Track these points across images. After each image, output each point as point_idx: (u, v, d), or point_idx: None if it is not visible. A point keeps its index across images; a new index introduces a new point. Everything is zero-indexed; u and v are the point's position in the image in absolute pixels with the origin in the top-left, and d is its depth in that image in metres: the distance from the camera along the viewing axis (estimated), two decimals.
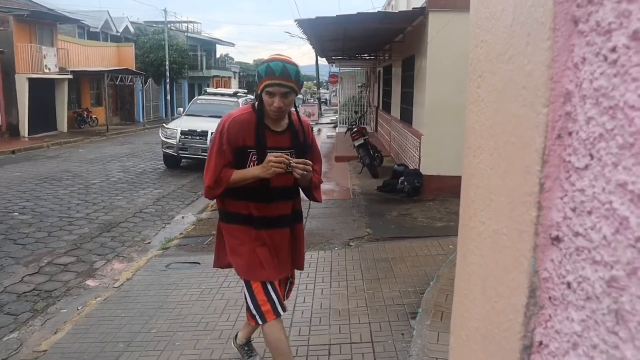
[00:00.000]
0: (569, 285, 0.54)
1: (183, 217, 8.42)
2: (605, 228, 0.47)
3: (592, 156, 0.50)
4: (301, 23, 9.05)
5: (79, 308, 4.79)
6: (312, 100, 36.42)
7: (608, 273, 0.47)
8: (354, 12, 8.43)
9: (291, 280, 3.05)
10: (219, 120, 10.13)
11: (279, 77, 2.45)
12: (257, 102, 2.64)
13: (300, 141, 2.72)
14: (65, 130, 23.01)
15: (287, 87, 2.47)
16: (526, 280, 0.62)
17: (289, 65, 2.47)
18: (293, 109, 2.77)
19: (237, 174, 2.61)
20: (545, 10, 0.55)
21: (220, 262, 3.04)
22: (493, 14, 0.73)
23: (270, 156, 2.49)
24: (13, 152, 16.35)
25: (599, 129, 0.48)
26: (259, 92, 2.56)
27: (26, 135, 20.24)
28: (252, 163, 2.63)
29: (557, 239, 0.57)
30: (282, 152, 2.57)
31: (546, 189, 0.57)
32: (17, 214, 8.22)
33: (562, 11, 0.53)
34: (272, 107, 2.51)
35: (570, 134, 0.54)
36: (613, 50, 0.46)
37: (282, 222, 2.79)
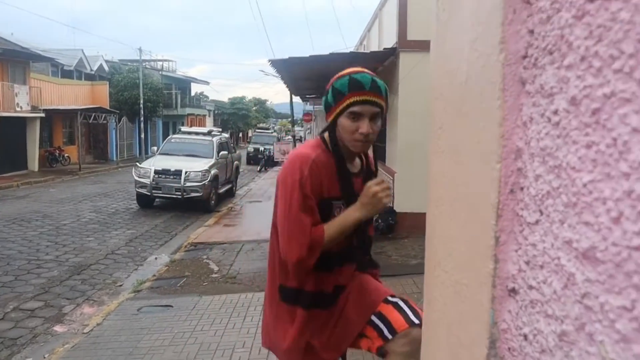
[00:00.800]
0: (525, 337, 0.55)
1: (156, 258, 8.27)
2: (555, 283, 0.49)
3: (541, 212, 0.51)
4: (274, 63, 9.18)
5: (45, 356, 4.62)
6: (286, 138, 36.61)
7: (559, 327, 0.48)
8: (327, 51, 8.60)
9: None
10: (194, 159, 9.94)
11: (369, 92, 1.77)
12: (328, 134, 1.93)
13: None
14: (36, 169, 22.62)
15: (379, 106, 1.79)
16: (486, 331, 0.63)
17: (379, 80, 1.82)
18: None
19: (332, 227, 1.86)
20: (495, 71, 0.58)
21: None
22: (450, 71, 0.76)
23: (373, 185, 1.85)
24: None
25: (547, 186, 0.50)
26: (332, 118, 1.86)
27: None
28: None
29: (514, 291, 0.58)
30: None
31: (501, 242, 0.59)
32: None
33: (511, 72, 0.56)
34: (355, 134, 1.79)
35: (522, 189, 0.56)
36: (555, 112, 0.48)
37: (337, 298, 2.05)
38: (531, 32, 0.53)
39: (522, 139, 0.55)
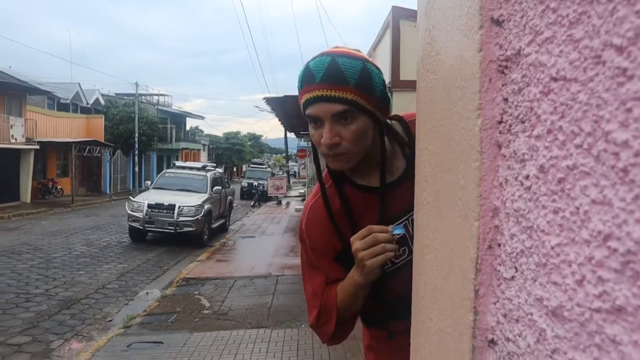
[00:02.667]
0: None
1: (147, 293, 8.20)
2: (529, 337, 0.52)
3: (516, 269, 0.55)
4: (269, 101, 9.32)
5: None
6: (281, 173, 36.75)
7: None
8: None
9: None
10: (187, 194, 9.92)
11: (321, 85, 1.21)
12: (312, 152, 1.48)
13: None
14: (29, 200, 22.53)
15: (339, 100, 1.20)
16: None
17: (343, 60, 1.23)
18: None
19: (341, 291, 1.41)
20: (473, 134, 0.62)
21: None
22: (434, 127, 0.80)
23: (355, 240, 1.29)
24: None
25: (520, 245, 0.54)
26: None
27: None
28: None
29: (493, 342, 0.61)
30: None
31: (480, 294, 0.62)
32: None
33: (487, 136, 0.60)
34: (320, 147, 1.28)
35: (499, 245, 0.59)
36: (527, 177, 0.52)
37: None
38: (505, 100, 0.57)
39: (499, 199, 0.59)
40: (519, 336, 0.54)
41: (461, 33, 0.67)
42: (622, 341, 0.38)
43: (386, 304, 1.44)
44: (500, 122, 0.58)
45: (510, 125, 0.56)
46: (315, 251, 1.48)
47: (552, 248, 0.47)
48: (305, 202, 1.55)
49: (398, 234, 1.25)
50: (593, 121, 0.41)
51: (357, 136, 1.24)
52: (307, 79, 1.25)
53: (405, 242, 1.34)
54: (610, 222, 0.39)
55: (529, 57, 0.51)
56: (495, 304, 0.60)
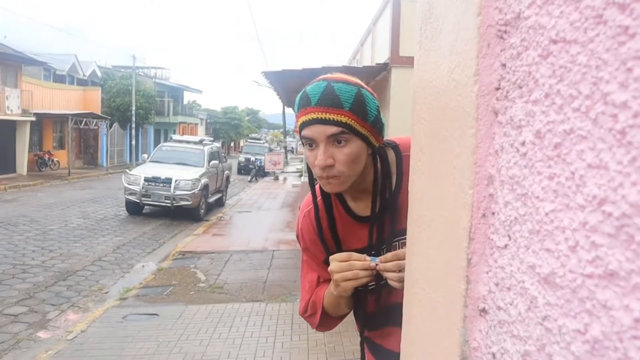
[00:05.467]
0: (494, 356, 0.58)
1: (143, 266, 8.23)
2: (520, 305, 0.51)
3: (509, 237, 0.54)
4: (268, 75, 9.23)
5: None
6: (278, 149, 36.68)
7: (523, 347, 0.51)
8: (320, 65, 8.67)
9: None
10: (184, 167, 9.93)
11: (317, 108, 1.26)
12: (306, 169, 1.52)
13: (396, 226, 1.41)
14: (25, 173, 22.48)
15: (334, 122, 1.25)
16: (458, 349, 0.65)
17: (339, 85, 1.28)
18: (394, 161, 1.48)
19: (327, 296, 1.51)
20: (469, 101, 0.61)
21: None
22: (430, 95, 0.79)
23: (333, 262, 1.35)
24: None
25: (514, 213, 0.53)
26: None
27: None
28: None
29: (484, 311, 0.61)
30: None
31: (473, 263, 0.61)
32: None
33: (484, 103, 0.59)
34: (314, 169, 1.32)
35: (493, 214, 0.58)
36: (523, 144, 0.51)
37: None
38: (503, 65, 0.56)
39: (494, 167, 0.58)
40: (510, 304, 0.54)
41: None
42: (613, 306, 0.37)
43: (362, 316, 1.56)
44: (497, 89, 0.57)
45: (508, 92, 0.55)
46: (307, 252, 1.58)
47: (546, 214, 0.46)
48: (301, 205, 1.60)
49: (375, 264, 1.31)
50: (592, 83, 0.40)
51: (350, 159, 1.27)
52: (304, 102, 1.29)
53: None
54: (606, 185, 0.38)
55: (528, 20, 0.50)
56: (487, 272, 0.60)
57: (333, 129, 1.25)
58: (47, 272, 7.54)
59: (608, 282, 0.38)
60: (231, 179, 18.91)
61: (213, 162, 14.60)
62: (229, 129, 60.91)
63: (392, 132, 8.54)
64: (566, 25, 0.43)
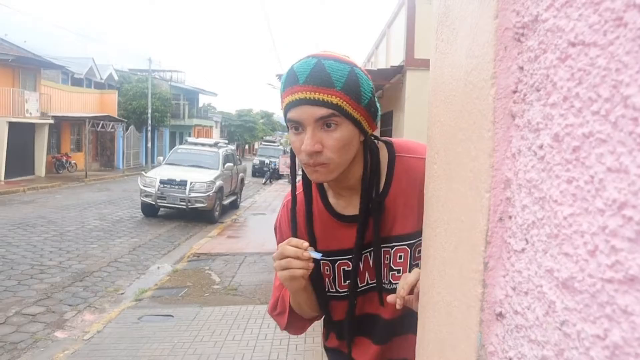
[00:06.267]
0: None
1: (158, 268, 8.29)
2: (538, 309, 0.51)
3: (527, 241, 0.54)
4: (282, 78, 9.25)
5: None
6: None
7: (540, 352, 0.50)
8: None
9: None
10: (199, 170, 9.96)
11: (305, 87, 1.12)
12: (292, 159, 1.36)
13: (381, 232, 1.28)
14: (43, 174, 22.78)
15: (323, 104, 1.11)
16: (474, 353, 0.65)
17: (330, 63, 1.14)
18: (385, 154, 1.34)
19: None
20: (486, 104, 0.61)
21: None
22: (447, 98, 0.78)
23: (277, 249, 1.24)
24: None
25: (532, 217, 0.52)
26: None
27: (2, 179, 19.99)
28: (327, 278, 1.37)
29: (501, 315, 0.60)
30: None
31: (490, 267, 0.61)
32: None
33: (501, 106, 0.59)
34: (300, 155, 1.18)
35: (510, 217, 0.58)
36: (541, 147, 0.51)
37: None
38: (521, 68, 0.55)
39: (511, 170, 0.57)
40: (528, 309, 0.53)
41: (477, 0, 0.65)
42: (634, 311, 0.37)
43: (329, 323, 1.44)
44: (514, 92, 0.57)
45: (525, 95, 0.55)
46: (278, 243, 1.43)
47: (565, 218, 0.46)
48: (285, 196, 1.48)
49: (313, 257, 1.18)
50: (612, 86, 0.40)
51: (341, 145, 1.13)
52: (291, 80, 1.15)
53: (350, 275, 1.30)
54: (626, 189, 0.38)
55: (546, 23, 0.50)
56: (504, 276, 0.59)
57: (322, 111, 1.11)
58: (64, 272, 7.62)
59: (628, 287, 0.37)
60: (246, 182, 18.98)
61: (228, 164, 14.67)
62: (243, 132, 61.15)
63: (407, 135, 8.51)
64: (585, 27, 0.43)
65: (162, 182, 12.64)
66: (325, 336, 1.51)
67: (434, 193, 0.85)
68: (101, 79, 32.82)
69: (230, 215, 14.38)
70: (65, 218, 12.35)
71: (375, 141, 1.31)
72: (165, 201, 12.73)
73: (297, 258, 1.17)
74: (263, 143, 42.81)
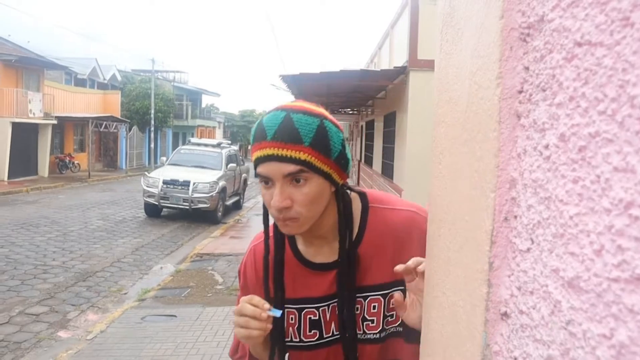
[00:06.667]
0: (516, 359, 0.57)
1: (161, 268, 8.31)
2: (544, 309, 0.51)
3: (532, 241, 0.54)
4: (285, 78, 9.26)
5: None
6: None
7: (546, 352, 0.50)
8: (338, 68, 8.67)
9: None
10: (202, 170, 9.97)
11: (273, 143, 1.12)
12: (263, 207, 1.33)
13: (354, 282, 1.26)
14: (46, 175, 22.84)
15: (291, 160, 1.11)
16: (479, 353, 0.65)
17: (298, 117, 1.14)
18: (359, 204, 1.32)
19: None
20: (492, 104, 0.61)
21: None
22: (452, 98, 0.79)
23: (239, 304, 1.22)
24: None
25: (537, 216, 0.53)
26: None
27: (6, 179, 20.04)
28: (291, 327, 1.32)
29: (506, 315, 0.60)
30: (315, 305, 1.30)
31: (495, 267, 0.61)
32: None
33: (507, 106, 0.59)
34: (270, 209, 1.18)
35: (515, 217, 0.58)
36: (547, 147, 0.51)
37: None
38: (527, 68, 0.56)
39: (517, 170, 0.58)
40: (533, 308, 0.54)
41: (482, 0, 0.65)
42: None
43: None
44: (520, 92, 0.57)
45: (531, 95, 0.55)
46: (244, 291, 1.40)
47: (571, 218, 0.46)
48: (252, 239, 1.46)
49: (274, 315, 1.17)
50: (618, 86, 0.40)
51: (310, 200, 1.13)
52: (259, 135, 1.15)
53: (317, 326, 1.29)
54: (633, 189, 0.38)
55: (552, 23, 0.50)
56: (509, 276, 0.59)
57: (291, 167, 1.10)
58: (67, 272, 7.64)
59: (635, 286, 0.38)
60: (249, 182, 19.00)
61: (231, 165, 14.69)
62: (246, 132, 61.17)
63: (410, 135, 8.51)
64: (592, 27, 0.43)
65: (165, 182, 12.66)
66: None
67: (439, 192, 0.85)
68: (104, 79, 32.89)
69: (233, 215, 14.40)
70: (69, 218, 12.38)
71: (349, 191, 1.29)
72: (168, 201, 12.75)
73: (256, 318, 1.16)
74: None
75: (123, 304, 6.43)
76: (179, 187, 12.65)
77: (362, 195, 1.32)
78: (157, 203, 12.78)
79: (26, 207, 14.11)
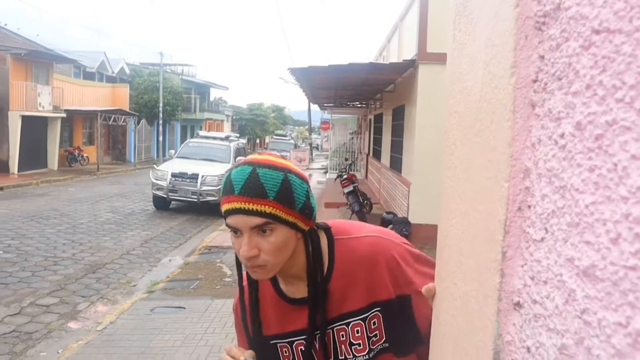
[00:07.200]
0: (528, 349, 0.57)
1: (170, 260, 8.35)
2: (558, 298, 0.51)
3: (546, 230, 0.54)
4: (294, 71, 9.24)
5: (59, 352, 4.70)
6: (304, 146, 36.75)
7: (560, 341, 0.50)
8: (346, 61, 8.64)
9: None
10: (211, 163, 10.00)
11: (240, 197, 1.20)
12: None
13: (329, 313, 1.35)
14: (56, 168, 22.98)
15: (257, 213, 1.19)
16: (491, 343, 0.65)
17: (264, 171, 1.21)
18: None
19: None
20: (506, 93, 0.61)
21: None
22: (465, 88, 0.78)
23: (223, 354, 1.33)
24: (2, 188, 16.24)
25: (552, 206, 0.52)
26: None
27: (16, 171, 20.18)
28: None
29: (519, 305, 0.60)
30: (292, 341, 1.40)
31: (508, 257, 0.61)
32: (1, 252, 8.12)
33: (521, 95, 0.59)
34: (240, 257, 1.26)
35: (529, 207, 0.58)
36: (562, 136, 0.50)
37: None
38: (542, 57, 0.55)
39: (531, 160, 0.57)
40: (547, 298, 0.53)
41: None
42: None
43: None
44: (535, 81, 0.57)
45: (546, 84, 0.54)
46: (239, 327, 1.50)
47: (586, 207, 0.46)
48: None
49: None
50: (637, 73, 0.39)
51: (276, 248, 1.21)
52: (227, 189, 1.23)
53: (308, 356, 1.37)
54: None
55: (569, 11, 0.49)
56: (522, 266, 0.59)
57: (257, 220, 1.18)
58: (77, 264, 7.70)
59: None
60: None
61: (239, 158, 14.69)
62: (254, 126, 61.22)
63: (419, 128, 8.48)
64: (610, 14, 0.43)
65: (173, 175, 12.71)
66: None
67: (452, 183, 0.85)
68: (113, 72, 32.98)
69: None
70: (78, 211, 12.46)
71: (315, 227, 1.36)
72: (176, 194, 12.80)
73: None
74: (274, 137, 42.86)
75: (132, 295, 6.48)
76: (188, 180, 12.70)
77: (327, 230, 1.39)
78: (165, 196, 12.83)
79: (36, 199, 14.22)
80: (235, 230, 1.22)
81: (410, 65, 8.85)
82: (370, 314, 1.32)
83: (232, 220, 1.21)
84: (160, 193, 12.87)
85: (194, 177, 12.66)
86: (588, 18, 0.46)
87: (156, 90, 32.38)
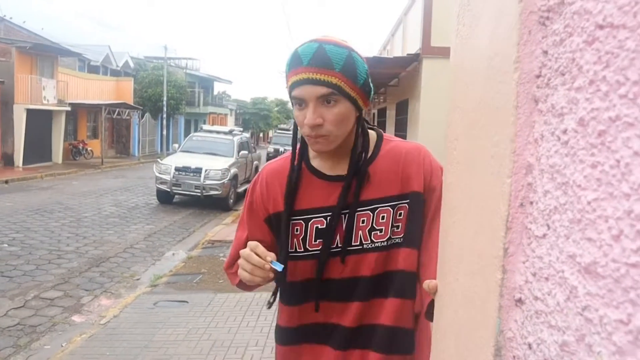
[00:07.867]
0: (529, 346, 0.57)
1: (173, 254, 8.37)
2: (559, 295, 0.51)
3: (548, 226, 0.53)
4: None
5: (63, 345, 4.72)
6: None
7: (561, 337, 0.50)
8: None
9: None
10: (214, 157, 9.96)
11: (308, 68, 1.25)
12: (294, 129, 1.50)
13: (361, 196, 1.38)
14: (60, 161, 23.04)
15: (324, 83, 1.25)
16: (493, 339, 0.65)
17: (330, 47, 1.27)
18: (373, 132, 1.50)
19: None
20: (509, 88, 0.60)
21: None
22: (468, 84, 0.78)
23: (247, 248, 1.32)
24: (6, 181, 16.30)
25: (554, 202, 0.52)
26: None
27: (21, 165, 20.25)
28: (296, 238, 1.44)
29: (520, 301, 0.60)
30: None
31: (509, 253, 0.61)
32: (6, 245, 8.16)
33: (524, 91, 0.58)
34: (303, 128, 1.32)
35: (531, 203, 0.58)
36: (565, 132, 0.50)
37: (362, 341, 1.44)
38: (545, 52, 0.55)
39: (533, 155, 0.57)
40: (548, 294, 0.53)
41: None
42: None
43: (287, 286, 1.53)
44: (538, 76, 0.56)
45: (549, 79, 0.54)
46: (251, 207, 1.53)
47: (589, 203, 0.46)
48: (265, 166, 1.59)
49: (275, 268, 1.28)
50: None
51: (339, 119, 1.29)
52: (295, 62, 1.29)
53: (323, 235, 1.40)
54: None
55: (573, 5, 0.49)
56: (524, 262, 0.59)
57: (323, 90, 1.26)
58: (81, 258, 7.73)
59: None
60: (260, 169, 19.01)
61: (242, 152, 14.71)
62: (258, 120, 61.21)
63: (423, 122, 8.46)
64: (614, 9, 0.42)
65: (177, 169, 12.72)
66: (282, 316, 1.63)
67: (453, 179, 0.85)
68: (117, 66, 33.02)
69: None
70: (82, 204, 12.49)
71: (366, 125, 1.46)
72: (180, 188, 12.81)
73: (260, 268, 1.28)
74: (277, 131, 42.77)
75: (136, 289, 6.50)
76: (191, 174, 12.71)
77: (378, 131, 1.52)
78: (169, 190, 12.85)
79: (40, 193, 14.26)
80: (300, 102, 1.30)
81: (414, 59, 8.83)
82: (400, 203, 1.38)
83: (299, 91, 1.28)
84: (163, 187, 12.88)
85: (198, 171, 12.66)
86: (592, 13, 0.46)
87: (160, 84, 32.39)
